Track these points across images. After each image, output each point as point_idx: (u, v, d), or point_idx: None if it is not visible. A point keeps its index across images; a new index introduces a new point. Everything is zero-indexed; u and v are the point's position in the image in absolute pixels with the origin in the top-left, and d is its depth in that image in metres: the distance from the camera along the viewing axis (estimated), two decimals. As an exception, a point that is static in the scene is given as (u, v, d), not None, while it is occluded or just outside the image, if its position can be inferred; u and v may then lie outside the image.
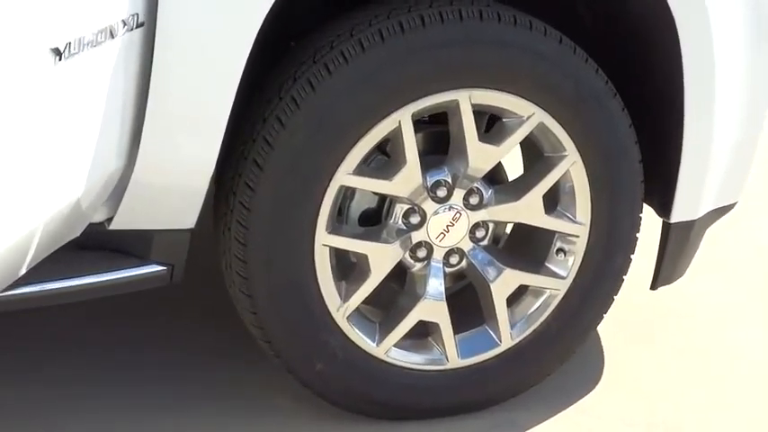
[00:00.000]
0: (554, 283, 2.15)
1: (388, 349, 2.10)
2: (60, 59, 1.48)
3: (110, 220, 1.91)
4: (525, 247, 2.20)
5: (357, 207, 2.09)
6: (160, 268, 1.96)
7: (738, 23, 2.10)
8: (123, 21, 1.66)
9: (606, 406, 2.26)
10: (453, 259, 2.11)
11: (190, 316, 2.50)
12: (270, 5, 1.80)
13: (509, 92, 1.98)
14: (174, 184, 1.88)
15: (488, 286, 2.12)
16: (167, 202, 1.90)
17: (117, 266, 1.94)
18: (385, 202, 2.08)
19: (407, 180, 2.00)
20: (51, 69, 1.48)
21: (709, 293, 2.69)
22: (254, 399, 2.21)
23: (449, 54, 1.92)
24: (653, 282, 2.30)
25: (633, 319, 2.50)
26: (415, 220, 2.05)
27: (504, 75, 1.97)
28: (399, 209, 2.05)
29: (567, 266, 2.15)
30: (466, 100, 1.96)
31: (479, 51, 1.94)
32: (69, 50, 1.50)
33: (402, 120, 1.94)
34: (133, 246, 1.94)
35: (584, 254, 2.15)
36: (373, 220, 2.10)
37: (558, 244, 2.15)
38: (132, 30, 1.70)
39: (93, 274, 1.92)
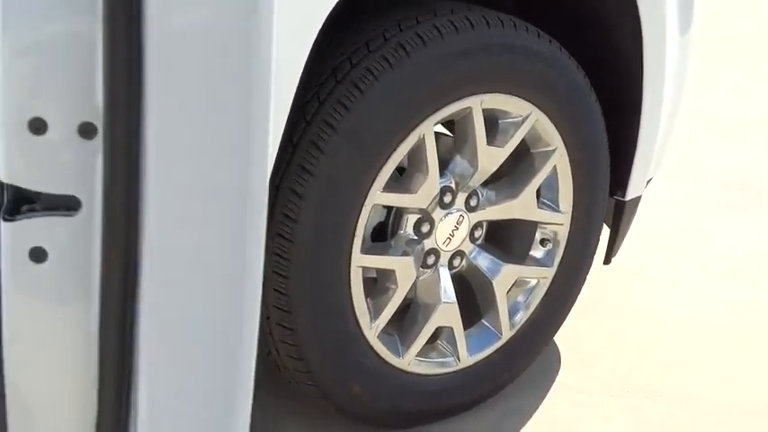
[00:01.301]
0: (544, 272, 2.24)
1: (411, 360, 2.10)
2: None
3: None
4: (509, 241, 2.26)
5: (370, 223, 2.06)
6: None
7: (674, 14, 2.27)
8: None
9: (584, 380, 2.39)
10: (456, 261, 2.14)
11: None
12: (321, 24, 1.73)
13: (514, 94, 2.04)
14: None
15: (490, 283, 2.17)
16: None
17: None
18: (390, 215, 2.08)
19: (429, 191, 2.00)
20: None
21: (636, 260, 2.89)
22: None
23: (466, 62, 1.94)
24: (607, 256, 2.45)
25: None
26: (425, 228, 2.06)
27: (511, 78, 2.02)
28: (409, 219, 2.05)
29: (553, 255, 2.25)
30: (478, 106, 2.00)
31: (492, 57, 1.98)
32: None
33: (426, 132, 1.94)
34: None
35: (567, 240, 2.25)
36: (381, 233, 2.08)
37: (542, 234, 2.24)
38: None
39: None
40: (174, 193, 0.98)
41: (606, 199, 2.31)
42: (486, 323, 2.23)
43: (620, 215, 2.39)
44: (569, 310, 2.35)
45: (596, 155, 2.22)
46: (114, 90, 0.90)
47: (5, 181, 0.98)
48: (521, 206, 2.16)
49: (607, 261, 2.46)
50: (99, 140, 0.95)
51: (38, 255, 0.99)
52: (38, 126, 0.94)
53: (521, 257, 2.24)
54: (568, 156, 2.17)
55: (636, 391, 2.37)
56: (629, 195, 2.36)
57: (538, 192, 2.20)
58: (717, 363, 2.49)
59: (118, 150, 0.93)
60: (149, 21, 0.90)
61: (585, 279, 2.34)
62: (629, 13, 2.15)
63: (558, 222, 2.23)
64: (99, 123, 0.95)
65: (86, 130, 0.96)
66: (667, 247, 3.02)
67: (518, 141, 2.09)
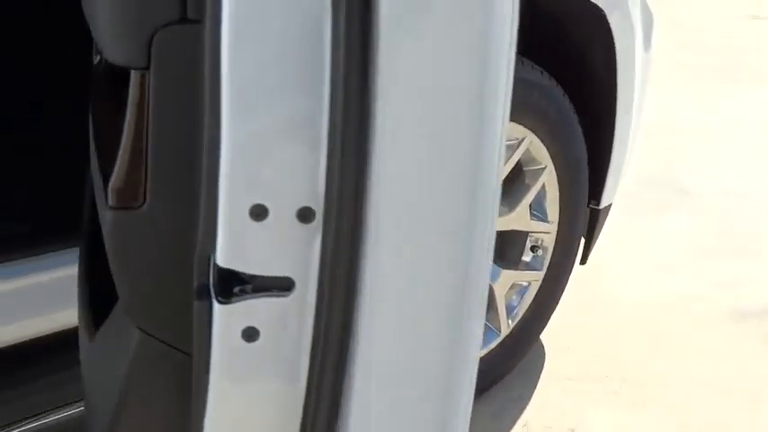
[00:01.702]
0: (535, 275, 2.53)
1: (428, 358, 2.36)
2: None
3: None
4: (505, 249, 2.54)
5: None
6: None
7: (639, 34, 2.56)
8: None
9: (569, 368, 2.69)
10: (462, 269, 2.41)
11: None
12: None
13: (513, 120, 2.31)
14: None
15: (491, 288, 2.44)
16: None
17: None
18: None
19: (444, 209, 2.26)
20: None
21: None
22: None
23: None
24: (583, 257, 2.74)
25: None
26: (436, 241, 2.32)
27: (512, 106, 2.29)
28: (423, 234, 2.30)
29: (542, 259, 2.53)
30: (483, 132, 2.26)
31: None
32: None
33: (442, 158, 2.20)
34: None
35: (554, 246, 2.54)
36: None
37: (532, 242, 2.53)
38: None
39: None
40: (392, 279, 1.01)
41: (586, 206, 2.60)
42: (486, 322, 2.50)
43: (594, 221, 2.68)
44: (556, 307, 2.64)
45: (579, 171, 2.51)
46: (339, 179, 0.96)
47: (222, 265, 1.01)
48: (516, 218, 2.44)
49: (583, 261, 2.76)
50: (316, 224, 0.99)
51: (250, 334, 1.02)
52: (258, 212, 0.98)
53: (515, 263, 2.51)
54: (556, 172, 2.45)
55: (613, 375, 2.67)
56: (603, 204, 2.65)
57: (529, 204, 2.48)
58: (678, 344, 2.81)
59: (338, 234, 0.97)
60: (377, 116, 0.96)
61: (569, 279, 2.64)
62: (603, 37, 2.42)
63: (546, 231, 2.51)
64: (317, 208, 0.99)
65: (305, 215, 1.00)
66: (624, 245, 3.34)
67: (516, 161, 2.37)
